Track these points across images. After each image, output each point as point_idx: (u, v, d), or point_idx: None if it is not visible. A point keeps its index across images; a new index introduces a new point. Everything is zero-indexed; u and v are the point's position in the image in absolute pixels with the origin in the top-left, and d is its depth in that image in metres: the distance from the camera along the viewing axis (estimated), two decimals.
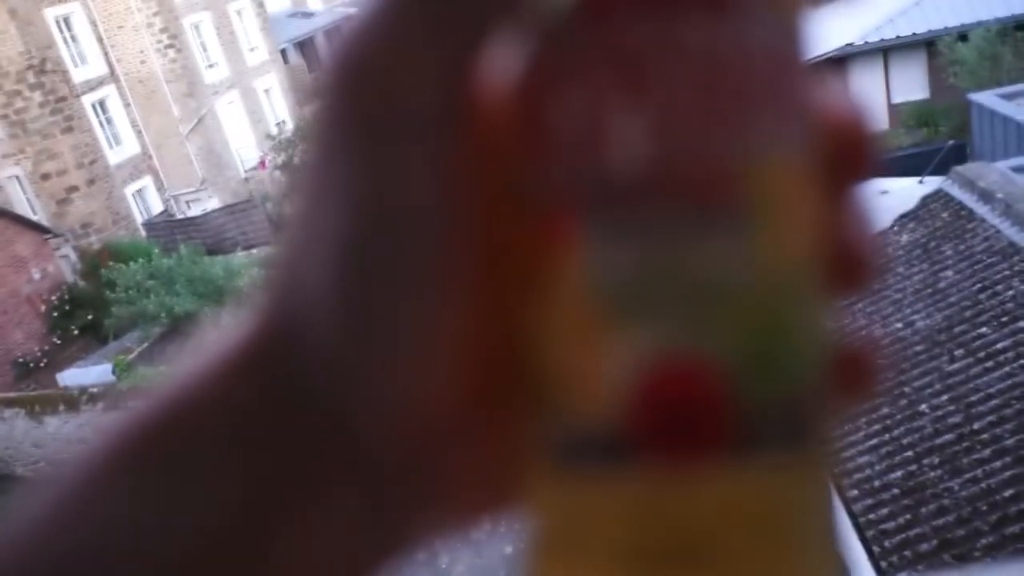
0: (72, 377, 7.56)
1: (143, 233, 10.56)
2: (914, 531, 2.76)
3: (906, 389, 3.11)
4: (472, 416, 0.20)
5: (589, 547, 0.18)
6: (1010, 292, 3.26)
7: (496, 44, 0.18)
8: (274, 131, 10.64)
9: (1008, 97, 5.08)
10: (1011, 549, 2.58)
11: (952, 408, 3.02)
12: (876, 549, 2.77)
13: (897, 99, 6.92)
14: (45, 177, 10.66)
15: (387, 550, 0.21)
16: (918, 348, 3.20)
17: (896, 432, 3.04)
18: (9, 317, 9.14)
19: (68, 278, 9.81)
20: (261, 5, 12.34)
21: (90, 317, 8.94)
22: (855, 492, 2.95)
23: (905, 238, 3.71)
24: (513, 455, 0.20)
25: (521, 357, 0.19)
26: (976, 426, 2.95)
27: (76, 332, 9.17)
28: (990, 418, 2.95)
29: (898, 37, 6.72)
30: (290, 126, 11.17)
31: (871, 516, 2.87)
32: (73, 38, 11.21)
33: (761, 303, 0.17)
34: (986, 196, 3.73)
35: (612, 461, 0.17)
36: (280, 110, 12.22)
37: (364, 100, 0.18)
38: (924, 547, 2.71)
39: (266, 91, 12.27)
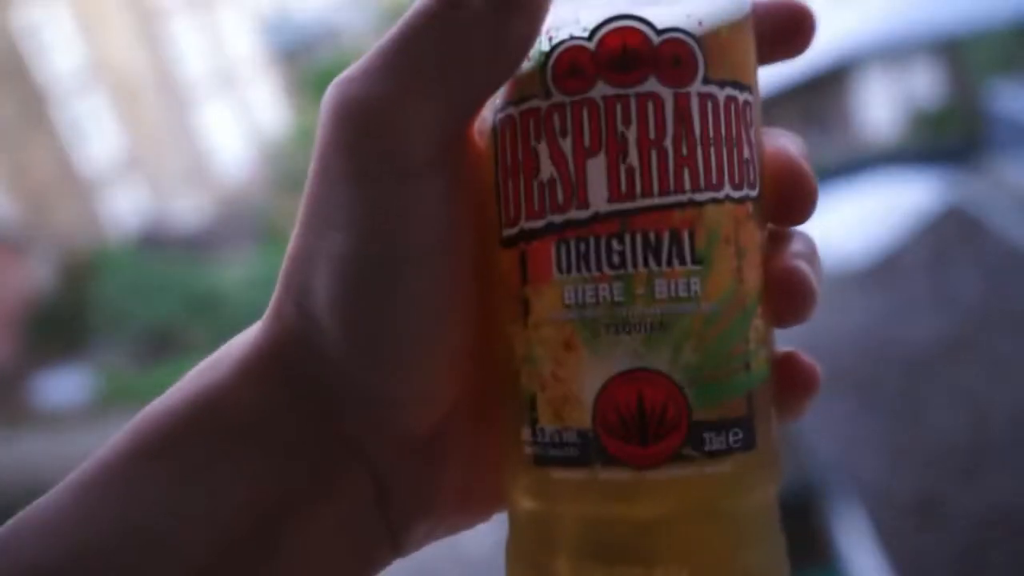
0: (48, 389, 7.42)
1: (124, 240, 10.44)
2: (927, 547, 2.69)
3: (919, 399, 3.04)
4: (462, 421, 0.23)
5: (554, 545, 0.21)
6: (1020, 299, 3.20)
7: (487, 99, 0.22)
8: (262, 137, 10.62)
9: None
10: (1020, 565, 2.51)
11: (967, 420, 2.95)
12: (889, 566, 2.70)
13: (909, 99, 6.94)
14: (20, 182, 10.51)
15: (389, 550, 0.23)
16: (929, 357, 3.15)
17: (908, 444, 2.97)
18: None
19: (46, 287, 9.67)
20: (250, 9, 12.30)
21: (69, 327, 8.82)
22: (865, 504, 2.89)
23: (917, 244, 3.66)
24: (497, 459, 0.23)
25: (502, 369, 0.22)
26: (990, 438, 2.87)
27: (53, 343, 9.06)
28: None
29: (909, 33, 6.71)
30: (279, 132, 11.15)
31: (882, 532, 2.81)
32: (50, 39, 11.07)
33: (704, 328, 0.21)
34: (1001, 199, 3.70)
35: (580, 465, 0.21)
36: (269, 115, 12.16)
37: (367, 139, 0.21)
38: (938, 565, 2.64)
39: (254, 96, 12.24)
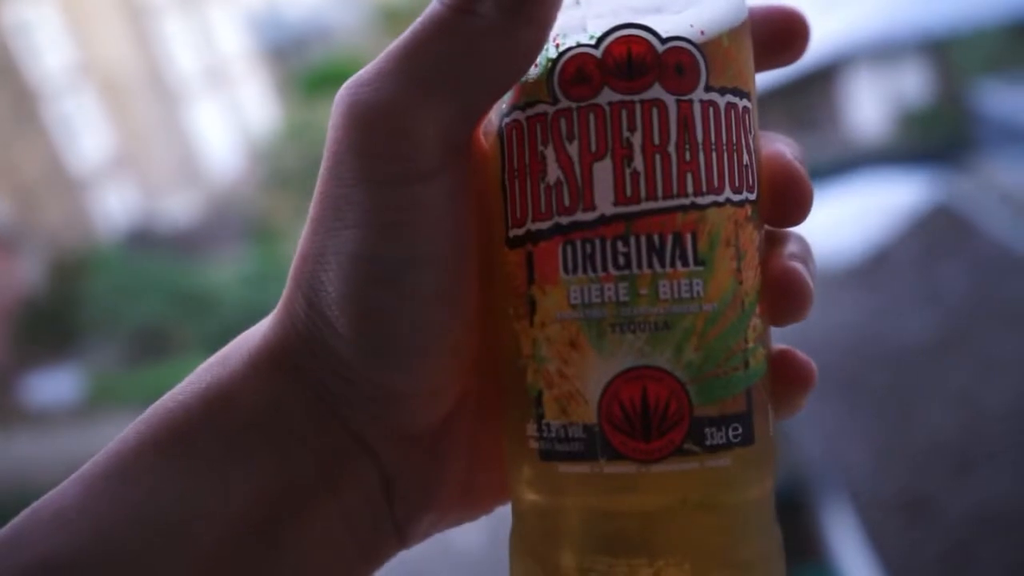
0: (37, 389, 7.37)
1: (114, 238, 10.40)
2: (916, 545, 2.70)
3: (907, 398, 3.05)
4: (465, 416, 0.24)
5: (559, 537, 0.22)
6: (1012, 298, 3.21)
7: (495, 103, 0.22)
8: (252, 135, 10.59)
9: (1012, 95, 5.06)
10: (1016, 566, 2.52)
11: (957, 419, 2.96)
12: (878, 563, 2.71)
13: (898, 99, 6.97)
14: (9, 180, 10.45)
15: (395, 542, 0.23)
16: (917, 355, 3.16)
17: (897, 441, 2.99)
18: None
19: (35, 285, 9.61)
20: (240, 6, 12.26)
21: (58, 326, 8.77)
22: (854, 502, 2.90)
23: (906, 242, 3.67)
24: (499, 453, 0.24)
25: (507, 366, 0.23)
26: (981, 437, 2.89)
27: (43, 342, 9.00)
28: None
29: (897, 33, 6.74)
30: (269, 130, 11.13)
31: (871, 530, 2.82)
32: (40, 37, 11.00)
33: (706, 327, 0.21)
34: (988, 198, 3.71)
35: (585, 459, 0.21)
36: (259, 113, 12.12)
37: (379, 142, 0.21)
38: (927, 562, 2.64)
39: (245, 94, 12.19)
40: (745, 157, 0.23)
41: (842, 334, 3.15)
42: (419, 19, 0.22)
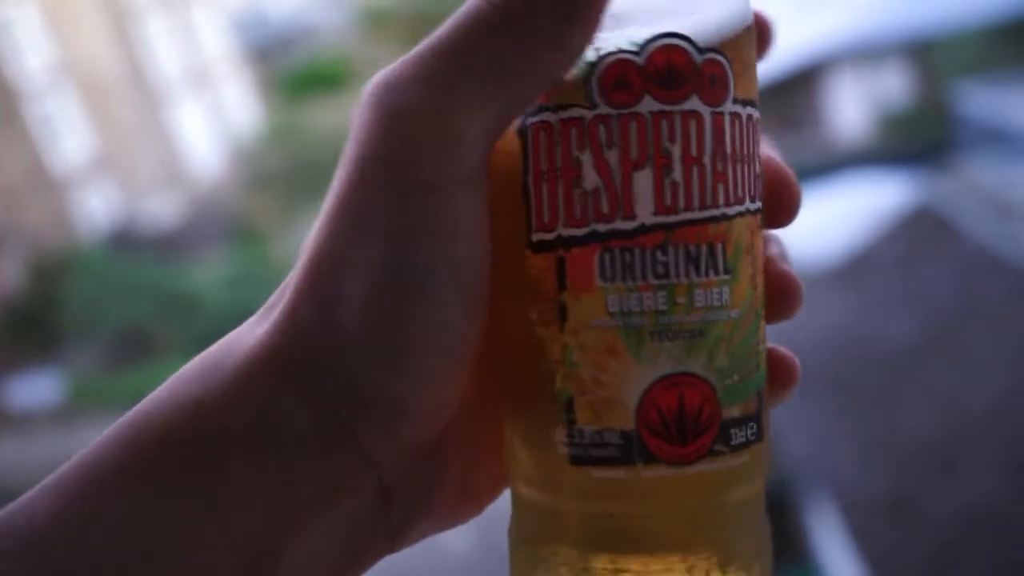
0: (18, 392, 7.32)
1: (96, 240, 10.31)
2: (901, 545, 2.71)
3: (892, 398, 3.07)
4: (464, 421, 0.24)
5: (592, 541, 0.22)
6: (994, 299, 3.24)
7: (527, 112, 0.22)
8: (236, 136, 10.55)
9: (993, 97, 5.11)
10: (1000, 566, 2.54)
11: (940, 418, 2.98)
12: (862, 563, 2.73)
13: (880, 101, 7.02)
14: None
15: (385, 547, 0.23)
16: (901, 355, 3.18)
17: (881, 441, 3.00)
18: None
19: (16, 287, 9.53)
20: (223, 7, 12.21)
21: (39, 328, 8.70)
22: (838, 502, 2.92)
23: (887, 244, 3.70)
24: (493, 456, 0.24)
25: (528, 371, 0.23)
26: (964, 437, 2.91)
27: (24, 344, 8.94)
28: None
29: (879, 35, 6.79)
30: (253, 131, 11.08)
31: (856, 529, 2.84)
32: (21, 37, 10.90)
33: (731, 333, 0.22)
34: (969, 199, 3.74)
35: (622, 464, 0.22)
36: (242, 114, 12.07)
37: (414, 149, 0.20)
38: (911, 562, 2.66)
39: (228, 95, 12.14)
40: (757, 166, 0.24)
41: (826, 335, 3.17)
42: (458, 16, 0.21)
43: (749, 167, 0.23)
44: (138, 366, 6.51)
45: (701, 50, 0.22)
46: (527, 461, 0.24)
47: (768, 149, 0.25)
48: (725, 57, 0.22)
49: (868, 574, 2.70)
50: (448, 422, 0.23)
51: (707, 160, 0.22)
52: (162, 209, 10.56)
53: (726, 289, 0.22)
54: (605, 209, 0.22)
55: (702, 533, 0.23)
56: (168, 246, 8.97)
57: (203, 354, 0.23)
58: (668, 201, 0.22)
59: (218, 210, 9.81)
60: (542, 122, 0.22)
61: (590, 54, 0.22)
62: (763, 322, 0.24)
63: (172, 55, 11.65)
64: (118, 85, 11.15)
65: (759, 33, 0.25)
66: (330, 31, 11.55)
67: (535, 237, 0.22)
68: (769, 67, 0.27)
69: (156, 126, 11.36)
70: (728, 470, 0.23)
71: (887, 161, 5.39)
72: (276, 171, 8.97)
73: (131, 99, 11.27)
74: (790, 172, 0.26)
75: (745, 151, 0.23)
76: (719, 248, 0.22)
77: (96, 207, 10.84)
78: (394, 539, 0.23)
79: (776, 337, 0.25)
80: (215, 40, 12.13)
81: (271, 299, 0.23)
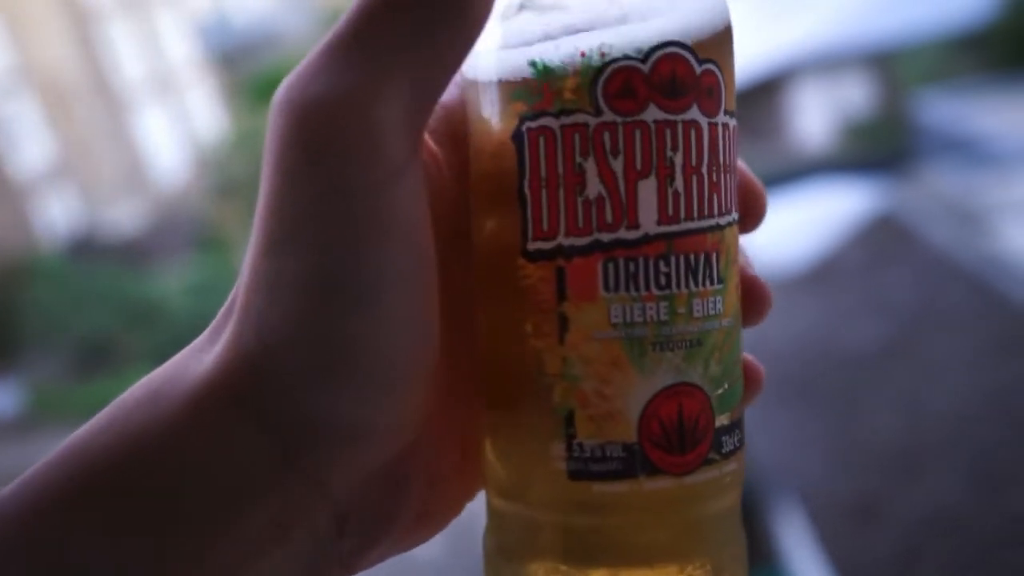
0: None
1: (56, 247, 10.14)
2: (867, 547, 2.75)
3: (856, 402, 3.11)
4: (425, 441, 0.22)
5: (591, 556, 0.22)
6: (955, 304, 3.29)
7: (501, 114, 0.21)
8: (200, 142, 10.44)
9: (952, 106, 5.20)
10: (964, 566, 2.58)
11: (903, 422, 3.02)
12: (829, 565, 2.75)
13: (842, 110, 7.12)
14: None
15: (342, 573, 0.22)
16: (865, 359, 3.22)
17: (847, 445, 3.04)
18: None
19: None
20: (187, 12, 12.09)
21: (0, 337, 8.54)
22: (805, 505, 2.95)
23: (850, 251, 3.75)
24: (456, 475, 0.23)
25: (522, 385, 0.22)
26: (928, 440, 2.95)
27: None
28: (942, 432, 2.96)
29: (841, 46, 6.90)
30: (217, 137, 10.97)
31: (822, 532, 2.86)
32: None
33: (723, 342, 0.22)
34: (929, 206, 3.80)
35: (625, 477, 0.22)
36: (206, 120, 11.95)
37: (335, 144, 0.19)
38: (877, 563, 2.69)
39: (191, 101, 12.02)
40: (737, 176, 0.24)
41: (792, 341, 3.20)
42: (353, 5, 0.20)
43: (733, 177, 0.23)
44: (101, 375, 6.40)
45: (700, 60, 0.22)
46: (513, 476, 0.23)
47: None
48: (719, 68, 0.22)
49: None
50: (408, 443, 0.22)
51: (704, 170, 0.22)
52: (125, 216, 10.42)
53: (720, 298, 0.22)
54: (609, 218, 0.21)
55: (698, 541, 0.23)
56: (131, 253, 8.84)
57: (146, 380, 0.21)
58: (671, 211, 0.21)
59: (182, 217, 9.69)
60: (541, 127, 0.21)
61: (596, 59, 0.21)
62: (740, 330, 0.24)
63: (135, 60, 11.51)
64: (79, 90, 10.99)
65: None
66: (295, 37, 11.48)
67: (532, 246, 0.22)
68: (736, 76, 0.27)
69: (118, 132, 11.20)
70: (721, 477, 0.23)
71: (850, 169, 5.46)
72: (241, 178, 8.88)
73: (93, 104, 11.11)
74: (758, 180, 0.26)
75: (731, 161, 0.23)
76: (714, 257, 0.22)
77: (57, 214, 10.65)
78: (349, 566, 0.22)
79: (743, 342, 0.25)
80: (179, 45, 12.00)
81: (217, 319, 0.22)
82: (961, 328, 3.18)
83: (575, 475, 0.22)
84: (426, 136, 0.23)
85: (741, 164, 0.25)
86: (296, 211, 0.19)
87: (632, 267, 0.21)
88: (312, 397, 0.20)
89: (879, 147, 6.20)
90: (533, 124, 0.22)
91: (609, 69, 0.21)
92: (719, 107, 0.22)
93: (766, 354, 0.29)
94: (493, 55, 0.22)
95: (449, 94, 0.23)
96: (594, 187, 0.21)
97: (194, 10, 12.64)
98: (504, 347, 0.23)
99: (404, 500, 0.23)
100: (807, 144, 6.57)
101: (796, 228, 3.82)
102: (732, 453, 0.23)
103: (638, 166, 0.21)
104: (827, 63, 6.89)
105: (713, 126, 0.22)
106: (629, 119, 0.21)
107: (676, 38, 0.21)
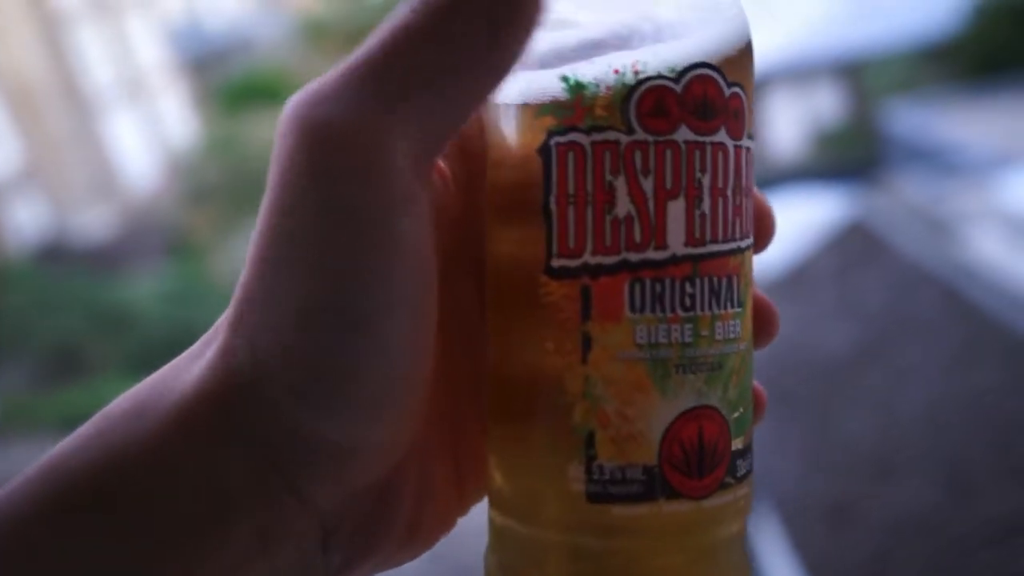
0: None
1: (25, 253, 9.95)
2: (840, 551, 2.77)
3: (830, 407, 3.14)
4: (415, 458, 0.22)
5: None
6: (926, 311, 3.34)
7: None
8: (171, 148, 10.33)
9: (919, 115, 5.27)
10: (936, 570, 2.61)
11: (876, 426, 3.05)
12: (801, 567, 2.77)
13: (813, 119, 7.21)
14: None
15: None
16: (838, 365, 3.25)
17: (819, 449, 3.07)
18: None
19: None
20: (159, 17, 11.96)
21: None
22: (778, 509, 2.97)
23: (822, 258, 3.79)
24: (454, 491, 0.23)
25: (539, 403, 0.22)
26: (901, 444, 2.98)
27: None
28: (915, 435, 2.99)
29: (813, 56, 6.97)
30: (189, 143, 10.87)
31: (796, 537, 2.88)
32: None
33: (740, 365, 0.23)
34: (898, 214, 3.85)
35: (644, 500, 0.21)
36: (178, 126, 11.83)
37: (347, 168, 0.19)
38: (850, 567, 2.72)
39: (163, 106, 11.88)
40: (753, 199, 0.24)
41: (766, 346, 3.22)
42: (384, 26, 0.19)
43: (751, 200, 0.24)
44: (71, 385, 6.30)
45: (729, 83, 0.22)
46: (522, 495, 0.23)
47: None
48: (744, 91, 0.23)
49: None
50: (391, 472, 0.22)
51: (729, 193, 0.22)
52: (95, 222, 10.28)
53: (739, 322, 0.22)
54: (638, 238, 0.21)
55: (711, 566, 0.23)
56: (101, 260, 8.72)
57: (132, 392, 0.21)
58: (697, 233, 0.22)
59: (154, 223, 9.59)
60: (571, 143, 0.21)
61: (629, 76, 0.21)
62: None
63: (105, 64, 11.37)
64: (48, 94, 10.84)
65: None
66: (268, 43, 11.40)
67: (556, 263, 0.21)
68: None
69: (88, 137, 11.06)
70: (735, 501, 0.23)
71: (820, 177, 5.53)
72: (214, 184, 8.81)
73: (62, 109, 10.96)
74: (768, 201, 0.26)
75: (751, 184, 0.23)
76: (735, 280, 0.22)
77: (25, 219, 10.48)
78: None
79: None
80: (150, 50, 11.87)
81: (208, 332, 0.22)
82: (932, 334, 3.23)
83: (594, 497, 0.22)
84: None
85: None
86: (299, 230, 0.19)
87: (659, 288, 0.21)
88: (303, 415, 0.20)
89: (849, 155, 6.27)
90: (562, 139, 0.21)
91: (643, 87, 0.21)
92: (743, 131, 0.22)
93: None
94: (519, 69, 0.21)
95: None
96: (624, 206, 0.21)
97: (166, 15, 12.53)
98: (519, 363, 0.22)
99: (393, 515, 0.22)
100: (778, 153, 6.64)
101: None
102: (745, 477, 0.23)
103: (668, 186, 0.21)
104: (798, 74, 6.97)
105: (738, 149, 0.22)
106: (661, 139, 0.21)
107: (707, 59, 0.22)
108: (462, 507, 0.25)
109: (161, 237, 9.06)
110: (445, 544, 0.25)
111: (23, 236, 10.47)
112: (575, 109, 0.21)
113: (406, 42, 0.19)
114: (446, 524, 0.24)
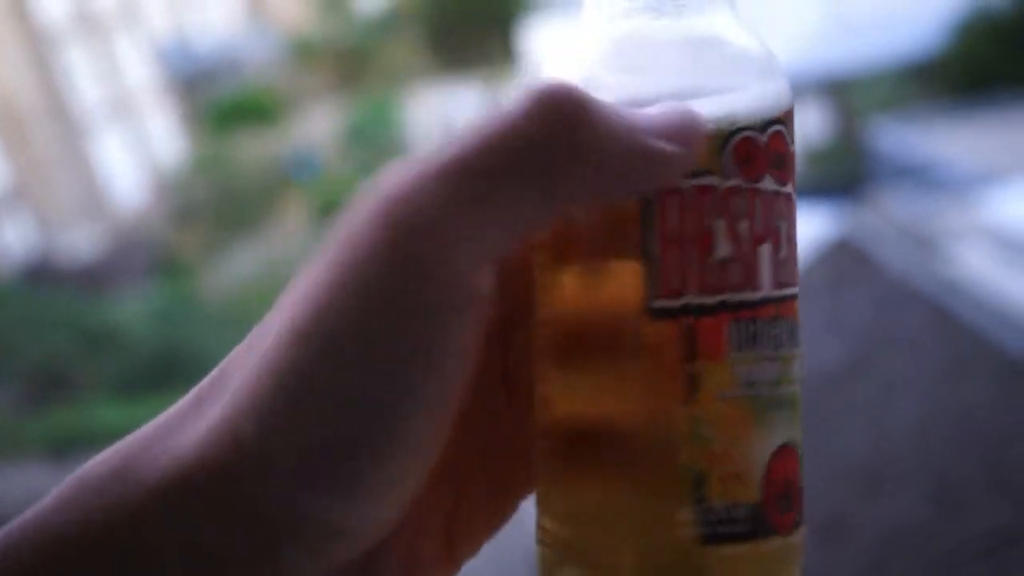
0: None
1: (11, 273, 9.90)
2: (831, 564, 2.77)
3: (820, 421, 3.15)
4: (408, 530, 0.22)
5: None
6: (913, 326, 3.36)
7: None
8: (159, 167, 10.31)
9: (904, 133, 5.33)
10: None
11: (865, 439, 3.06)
12: None
13: (802, 137, 7.28)
14: None
15: None
16: (827, 380, 3.27)
17: (811, 463, 3.07)
18: None
19: None
20: (148, 36, 11.97)
21: None
22: None
23: (810, 274, 3.81)
24: (445, 548, 0.23)
25: (640, 447, 0.22)
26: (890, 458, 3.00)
27: None
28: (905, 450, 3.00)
29: (799, 75, 7.05)
30: (177, 162, 10.86)
31: None
32: None
33: (799, 404, 0.24)
34: (884, 231, 3.87)
35: (749, 539, 0.22)
36: (166, 145, 11.82)
37: (423, 272, 0.19)
38: None
39: (151, 125, 11.87)
40: None
41: None
42: (483, 129, 0.19)
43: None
44: (58, 406, 6.25)
45: (792, 138, 0.24)
46: (612, 547, 0.22)
47: None
48: (795, 147, 0.24)
49: None
50: (385, 548, 0.21)
51: (794, 239, 0.24)
52: (82, 241, 10.23)
53: (800, 361, 0.24)
54: (737, 279, 0.22)
55: None
56: (89, 279, 8.69)
57: (112, 452, 0.20)
58: (779, 276, 0.23)
59: (142, 242, 9.56)
60: (673, 187, 0.22)
61: (725, 125, 0.22)
62: None
63: (93, 84, 11.37)
64: (35, 114, 10.81)
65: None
66: (256, 62, 11.43)
67: (657, 304, 0.22)
68: None
69: (76, 156, 11.03)
70: (803, 537, 0.24)
71: (807, 194, 5.58)
72: (202, 203, 8.81)
73: (49, 128, 10.94)
74: None
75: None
76: (797, 323, 0.24)
77: (12, 239, 10.43)
78: None
79: None
80: (138, 69, 11.87)
81: (201, 387, 0.21)
82: (919, 350, 3.25)
83: (705, 539, 0.22)
84: None
85: None
86: (348, 314, 0.19)
87: (753, 328, 0.22)
88: (303, 495, 0.19)
89: (836, 173, 6.33)
90: None
91: (737, 136, 0.22)
92: (795, 183, 0.24)
93: None
94: None
95: None
96: (724, 248, 0.22)
97: (154, 34, 12.54)
98: (606, 411, 0.22)
99: None
100: None
101: None
102: (801, 512, 0.24)
103: (759, 231, 0.22)
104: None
105: (793, 199, 0.24)
106: (751, 186, 0.22)
107: (779, 113, 0.23)
108: (451, 571, 0.25)
109: (149, 256, 9.04)
110: None
111: (10, 256, 10.42)
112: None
113: (499, 155, 0.19)
114: None
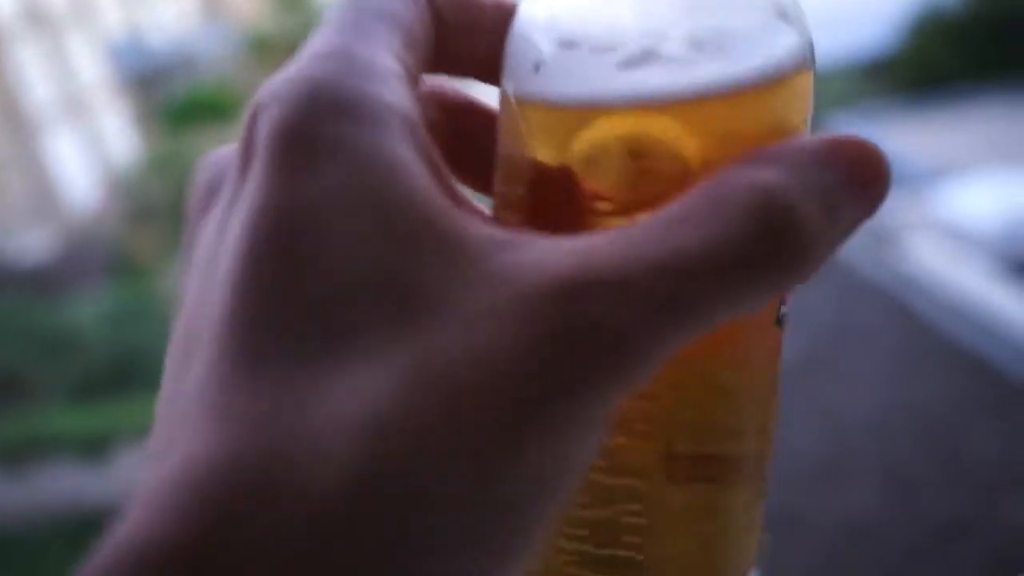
0: None
1: None
2: (788, 557, 2.80)
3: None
4: None
5: None
6: (870, 320, 3.40)
7: None
8: (113, 167, 10.15)
9: (862, 129, 5.41)
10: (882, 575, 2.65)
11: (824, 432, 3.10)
12: None
13: None
14: None
15: None
16: (787, 374, 3.30)
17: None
18: None
19: None
20: (100, 33, 11.78)
21: None
22: None
23: None
24: None
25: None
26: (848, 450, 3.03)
27: None
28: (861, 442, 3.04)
29: None
30: (131, 161, 10.70)
31: None
32: None
33: None
34: None
35: None
36: (120, 144, 11.62)
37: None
38: (796, 572, 2.75)
39: (104, 124, 11.67)
40: None
41: None
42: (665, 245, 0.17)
43: None
44: (13, 414, 6.11)
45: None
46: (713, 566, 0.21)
47: None
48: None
49: None
50: None
51: None
52: (34, 242, 10.02)
53: None
54: None
55: None
56: (42, 282, 8.51)
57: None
58: None
59: (96, 244, 9.39)
60: None
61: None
62: None
63: (45, 82, 11.13)
64: None
65: None
66: (212, 59, 11.28)
67: (781, 311, 0.22)
68: None
69: (27, 156, 10.80)
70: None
71: None
72: (157, 203, 8.66)
73: (0, 128, 10.71)
74: None
75: None
76: None
77: None
78: None
79: None
80: (91, 67, 11.65)
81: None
82: (876, 343, 3.29)
83: None
84: None
85: None
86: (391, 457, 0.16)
87: None
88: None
89: None
90: None
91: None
92: None
93: None
94: None
95: None
96: None
97: (107, 31, 12.32)
98: (760, 416, 0.22)
99: None
100: None
101: None
102: None
103: None
104: None
105: None
106: None
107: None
108: None
109: (103, 257, 8.88)
110: None
111: None
112: None
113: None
114: None
